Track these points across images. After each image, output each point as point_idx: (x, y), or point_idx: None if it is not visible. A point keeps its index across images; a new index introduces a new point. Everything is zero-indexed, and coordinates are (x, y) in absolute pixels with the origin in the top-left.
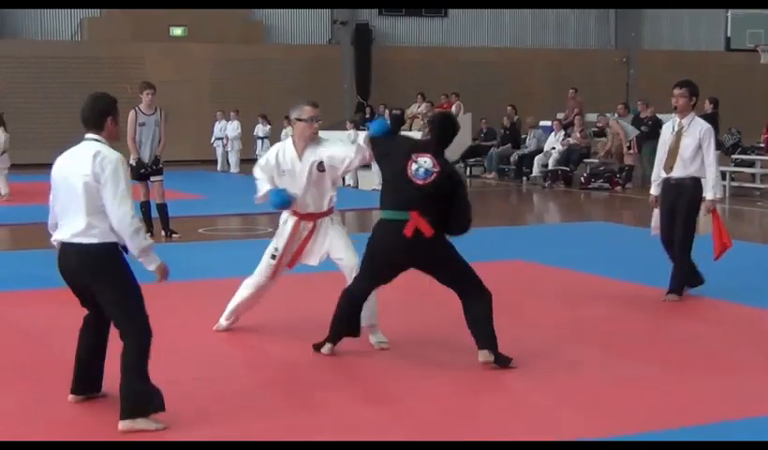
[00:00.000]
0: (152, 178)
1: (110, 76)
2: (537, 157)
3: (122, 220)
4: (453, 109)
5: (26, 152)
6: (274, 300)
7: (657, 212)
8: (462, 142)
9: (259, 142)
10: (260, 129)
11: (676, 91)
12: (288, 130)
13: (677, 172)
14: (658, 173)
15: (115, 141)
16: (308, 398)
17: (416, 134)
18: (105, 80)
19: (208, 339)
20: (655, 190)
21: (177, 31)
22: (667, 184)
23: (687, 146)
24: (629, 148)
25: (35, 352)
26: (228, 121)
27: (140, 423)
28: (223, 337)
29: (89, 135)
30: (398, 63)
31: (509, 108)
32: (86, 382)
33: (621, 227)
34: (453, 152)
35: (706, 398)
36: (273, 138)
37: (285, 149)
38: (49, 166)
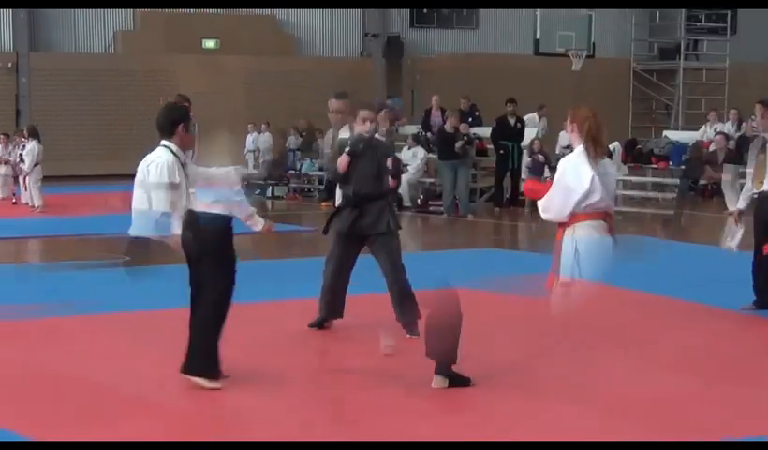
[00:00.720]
0: None
1: (144, 88)
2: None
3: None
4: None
5: (60, 164)
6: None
7: (733, 227)
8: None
9: (291, 154)
10: (292, 141)
11: (759, 110)
12: (320, 142)
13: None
14: (748, 188)
15: (189, 148)
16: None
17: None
18: (138, 92)
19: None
20: (741, 205)
21: (209, 43)
22: (760, 198)
23: None
24: None
25: (70, 359)
26: (259, 133)
27: (199, 380)
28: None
29: (163, 141)
30: (430, 75)
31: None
32: None
33: (663, 241)
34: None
35: (746, 412)
36: (305, 150)
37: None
38: (82, 178)
